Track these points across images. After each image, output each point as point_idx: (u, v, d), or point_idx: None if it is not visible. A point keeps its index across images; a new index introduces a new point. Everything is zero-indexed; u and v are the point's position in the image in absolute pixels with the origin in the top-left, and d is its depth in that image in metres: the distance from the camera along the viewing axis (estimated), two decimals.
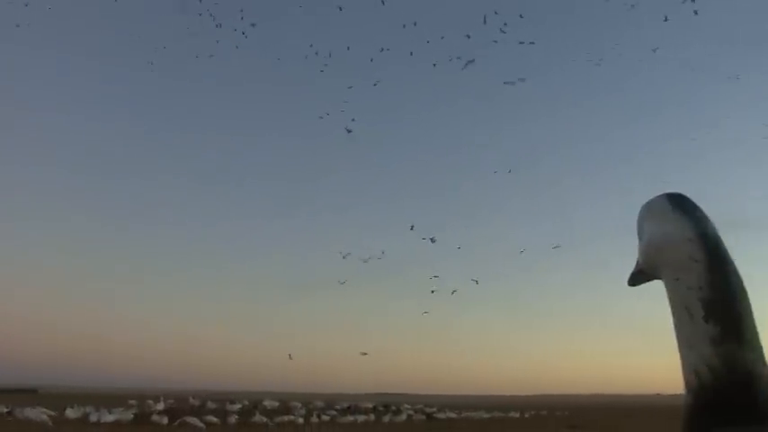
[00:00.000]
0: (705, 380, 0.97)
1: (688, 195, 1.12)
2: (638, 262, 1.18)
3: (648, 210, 1.14)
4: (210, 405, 40.69)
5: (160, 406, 36.00)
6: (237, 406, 39.21)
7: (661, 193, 1.13)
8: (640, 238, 1.16)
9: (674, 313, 1.04)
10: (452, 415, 44.83)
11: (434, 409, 47.61)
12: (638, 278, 1.19)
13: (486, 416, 46.39)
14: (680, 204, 1.09)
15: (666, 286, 1.07)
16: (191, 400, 44.56)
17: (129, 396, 51.41)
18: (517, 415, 50.91)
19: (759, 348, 0.99)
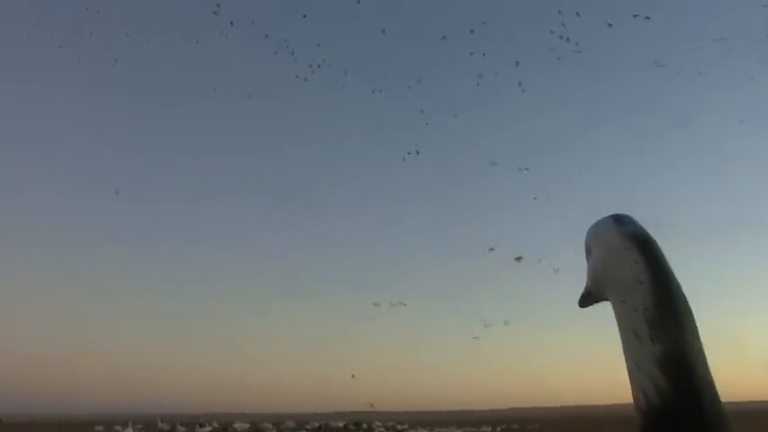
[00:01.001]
0: (653, 400, 0.99)
1: (628, 214, 1.14)
2: (587, 284, 1.20)
3: (595, 232, 1.16)
4: (180, 429, 40.08)
5: (129, 431, 35.38)
6: (207, 429, 38.69)
7: (609, 213, 1.16)
8: (588, 260, 1.18)
9: (621, 335, 1.06)
10: None
11: (406, 426, 47.45)
12: (587, 299, 1.22)
13: (457, 431, 46.40)
14: (625, 226, 1.11)
15: (614, 308, 1.09)
16: (159, 424, 43.74)
17: (97, 422, 50.37)
18: (489, 429, 51.01)
19: (705, 367, 1.01)
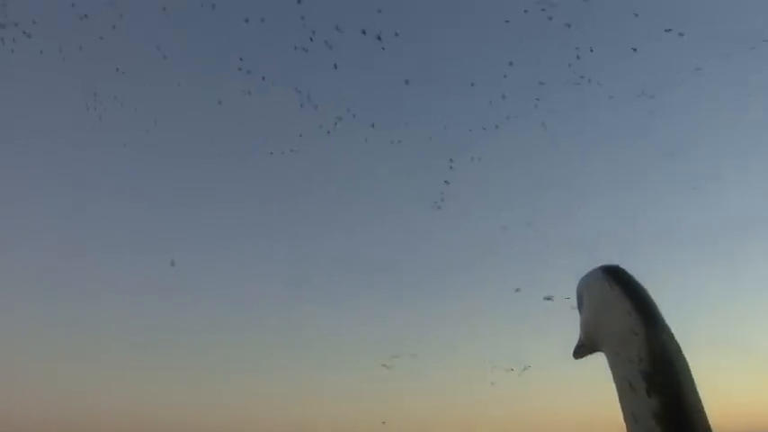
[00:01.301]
0: None
1: (624, 267, 1.15)
2: (580, 335, 1.19)
3: (586, 284, 1.16)
4: None
5: None
6: None
7: (599, 265, 1.16)
8: (581, 312, 1.18)
9: (616, 383, 1.06)
10: None
11: None
12: (581, 351, 1.21)
13: None
14: (616, 278, 1.11)
15: (608, 359, 1.09)
16: None
17: None
18: None
19: (702, 418, 1.00)
